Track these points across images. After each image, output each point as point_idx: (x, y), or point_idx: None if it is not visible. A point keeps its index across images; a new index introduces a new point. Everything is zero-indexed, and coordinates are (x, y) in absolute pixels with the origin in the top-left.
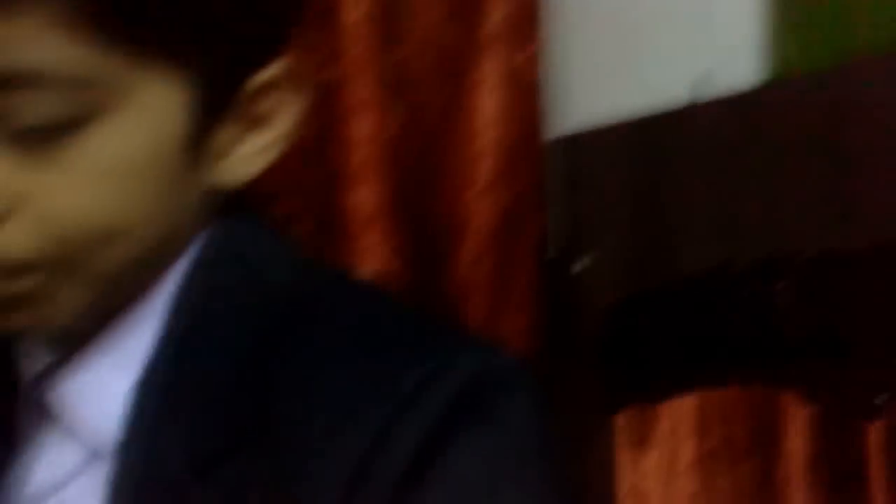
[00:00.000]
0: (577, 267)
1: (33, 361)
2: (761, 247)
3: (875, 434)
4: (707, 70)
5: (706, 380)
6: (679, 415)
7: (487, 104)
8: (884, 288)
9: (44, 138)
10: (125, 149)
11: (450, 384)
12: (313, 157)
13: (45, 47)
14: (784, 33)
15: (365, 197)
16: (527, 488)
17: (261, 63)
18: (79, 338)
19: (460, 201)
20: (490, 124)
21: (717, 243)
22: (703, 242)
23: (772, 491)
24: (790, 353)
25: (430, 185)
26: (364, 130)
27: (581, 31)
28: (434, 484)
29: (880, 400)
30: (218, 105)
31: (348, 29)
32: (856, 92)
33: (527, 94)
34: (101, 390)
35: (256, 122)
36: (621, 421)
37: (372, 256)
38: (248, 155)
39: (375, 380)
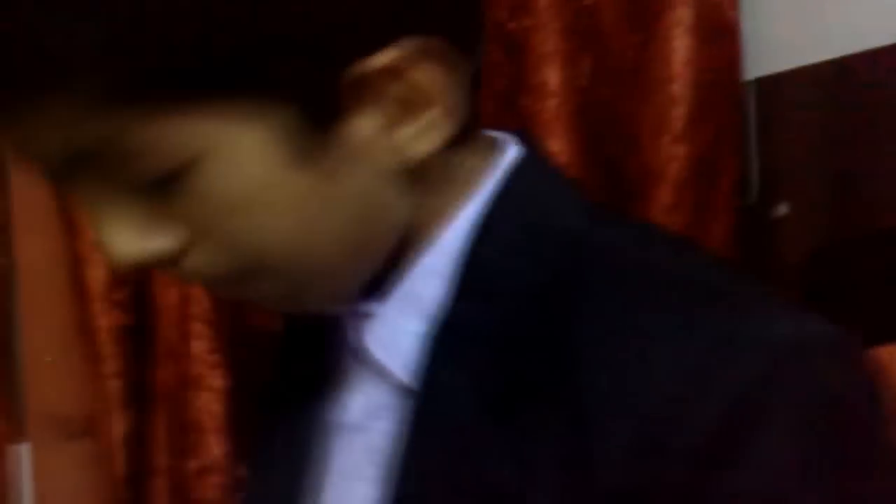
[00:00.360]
0: (776, 214)
1: (350, 317)
2: None
3: None
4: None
5: None
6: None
7: (681, 47)
8: None
9: (164, 188)
10: (237, 180)
11: (764, 355)
12: (506, 106)
13: (92, 125)
14: None
15: (558, 146)
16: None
17: (347, 61)
18: (380, 294)
19: (655, 148)
20: (684, 68)
21: None
22: None
23: None
24: None
25: (624, 132)
26: (554, 80)
27: None
28: (740, 463)
29: None
30: (318, 110)
31: None
32: None
33: (723, 35)
34: (401, 336)
35: (406, 105)
36: None
37: None
38: (418, 133)
39: (681, 342)
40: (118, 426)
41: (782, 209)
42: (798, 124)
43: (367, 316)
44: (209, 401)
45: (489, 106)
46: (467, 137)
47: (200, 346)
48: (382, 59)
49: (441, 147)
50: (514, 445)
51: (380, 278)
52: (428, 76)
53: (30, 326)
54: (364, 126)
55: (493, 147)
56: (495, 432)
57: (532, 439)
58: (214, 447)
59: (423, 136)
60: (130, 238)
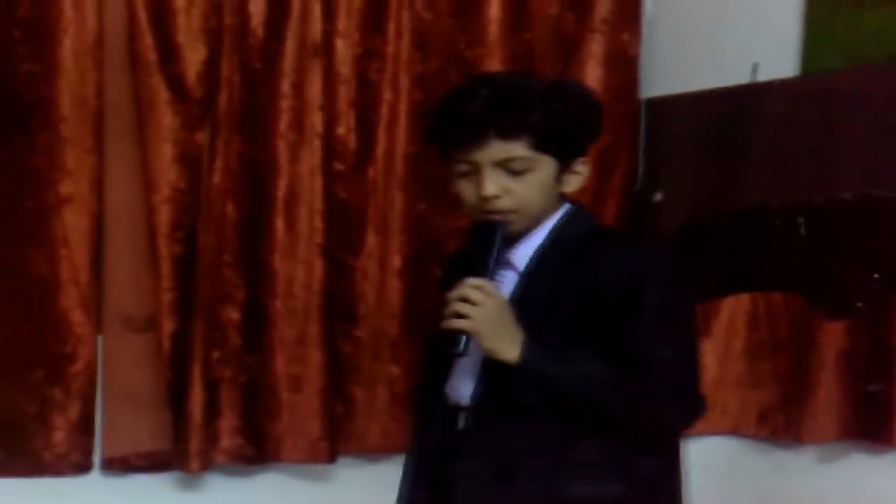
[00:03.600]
0: (657, 198)
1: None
2: (792, 193)
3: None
4: (758, 60)
5: (752, 286)
6: (734, 312)
7: (593, 74)
8: (860, 225)
9: (519, 174)
10: (540, 179)
11: (656, 263)
12: None
13: (520, 149)
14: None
15: None
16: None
17: (578, 156)
18: (518, 239)
19: None
20: (596, 88)
21: (760, 189)
22: (750, 187)
23: (805, 377)
24: (806, 268)
25: None
26: None
27: (670, 19)
28: (650, 293)
29: (859, 303)
30: (564, 169)
31: (488, 19)
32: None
33: (625, 65)
34: (523, 254)
35: (575, 173)
36: None
37: None
38: (570, 183)
39: (630, 255)
40: (169, 325)
41: (659, 195)
42: (675, 134)
43: (510, 247)
44: (231, 309)
45: None
46: None
47: (229, 272)
48: (581, 158)
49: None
50: (559, 289)
51: (530, 229)
52: (583, 167)
53: (113, 252)
54: (565, 176)
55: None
56: (552, 284)
57: (566, 287)
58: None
59: (573, 184)
60: (492, 188)
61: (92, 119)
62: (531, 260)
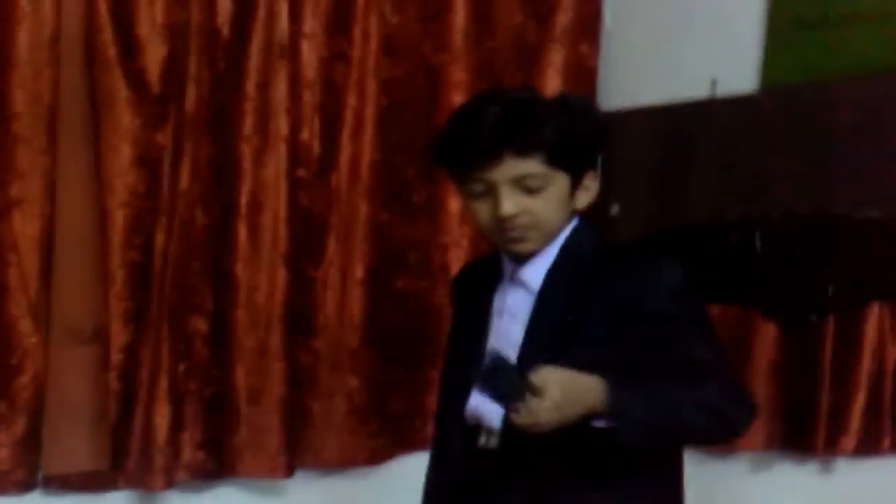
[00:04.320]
0: (613, 211)
1: (512, 264)
2: (745, 207)
3: (826, 344)
4: (716, 75)
5: (706, 300)
6: None
7: (552, 84)
8: (815, 240)
9: (536, 191)
10: (555, 195)
11: (673, 275)
12: (424, 120)
13: (535, 166)
14: (779, 52)
15: None
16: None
17: (588, 171)
18: (528, 257)
19: None
20: None
21: (714, 202)
22: (704, 200)
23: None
24: (760, 281)
25: None
26: (459, 101)
27: (630, 31)
28: (673, 310)
29: (813, 317)
30: (576, 184)
31: (453, 27)
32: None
33: (583, 77)
34: (535, 272)
35: (585, 189)
36: None
37: None
38: (581, 199)
39: (643, 268)
40: (121, 336)
41: (615, 209)
42: (632, 147)
43: (520, 265)
44: (198, 320)
45: (410, 117)
46: None
47: (196, 281)
48: (590, 173)
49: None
50: (578, 308)
51: (543, 246)
52: (592, 182)
53: (64, 259)
54: (576, 192)
55: None
56: (568, 304)
57: (584, 306)
58: (199, 353)
59: (583, 199)
60: (511, 207)
61: (46, 117)
62: (545, 279)
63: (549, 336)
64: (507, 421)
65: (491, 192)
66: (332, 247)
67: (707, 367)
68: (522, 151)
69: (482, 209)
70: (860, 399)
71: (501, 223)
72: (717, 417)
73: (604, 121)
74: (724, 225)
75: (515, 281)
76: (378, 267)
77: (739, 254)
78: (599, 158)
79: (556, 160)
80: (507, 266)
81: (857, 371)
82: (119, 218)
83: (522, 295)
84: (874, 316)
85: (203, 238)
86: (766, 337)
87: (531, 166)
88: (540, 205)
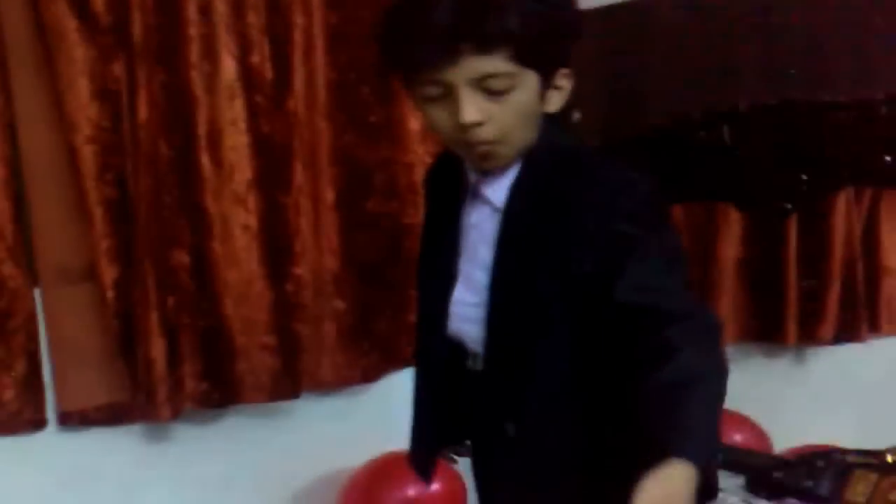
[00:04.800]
0: (575, 117)
1: (475, 176)
2: (709, 102)
3: (790, 238)
4: None
5: (678, 199)
6: None
7: None
8: (784, 129)
9: (501, 94)
10: (524, 99)
11: (639, 195)
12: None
13: (500, 63)
14: None
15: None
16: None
17: (560, 68)
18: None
19: None
20: None
21: (676, 101)
22: (666, 100)
23: (706, 288)
24: (732, 175)
25: None
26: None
27: None
28: (639, 229)
29: (789, 206)
30: (546, 84)
31: None
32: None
33: None
34: (499, 188)
35: (557, 88)
36: None
37: None
38: (553, 101)
39: (604, 188)
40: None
41: (577, 115)
42: (587, 50)
43: (484, 178)
44: (179, 253)
45: (360, 34)
46: None
47: (170, 214)
48: (563, 71)
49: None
50: (544, 230)
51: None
52: (566, 81)
53: (38, 200)
54: (548, 93)
55: None
56: (535, 225)
57: (550, 227)
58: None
59: (556, 101)
60: (473, 112)
61: None
62: (509, 197)
63: (516, 262)
64: (489, 344)
65: (449, 96)
66: (300, 172)
67: (662, 296)
68: (484, 46)
69: (441, 116)
70: (836, 288)
71: (464, 133)
72: (717, 366)
73: (577, 7)
74: (689, 122)
75: (479, 196)
76: (346, 190)
77: (708, 149)
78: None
79: (525, 56)
80: (470, 177)
81: (830, 260)
82: (88, 154)
83: (488, 213)
84: (841, 204)
85: (169, 171)
86: (732, 234)
87: (495, 64)
88: (507, 112)
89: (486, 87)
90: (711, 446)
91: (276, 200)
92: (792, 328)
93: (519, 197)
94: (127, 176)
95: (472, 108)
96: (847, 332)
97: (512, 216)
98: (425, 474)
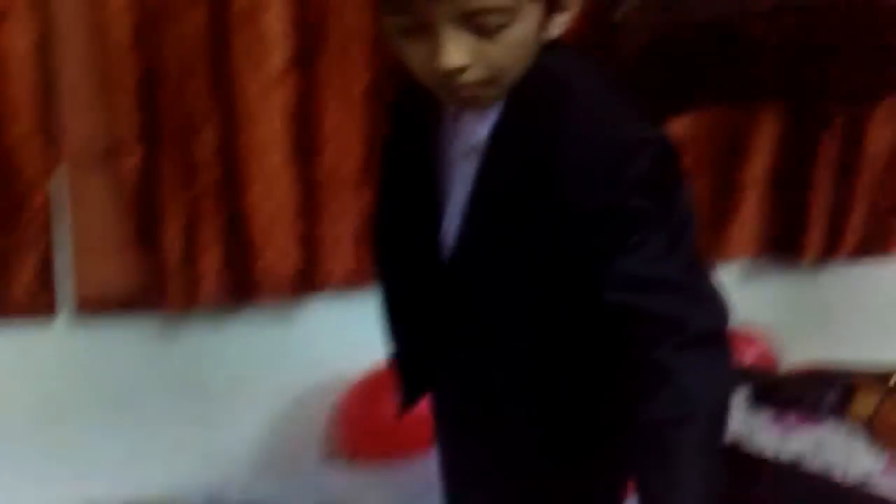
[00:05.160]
0: (617, 16)
1: (455, 112)
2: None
3: (826, 147)
4: None
5: (727, 97)
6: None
7: None
8: (827, 29)
9: (494, 31)
10: (522, 34)
11: (652, 149)
12: None
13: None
14: None
15: None
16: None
17: None
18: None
19: None
20: None
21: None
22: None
23: (732, 196)
24: (769, 76)
25: None
26: None
27: None
28: (638, 193)
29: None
30: (550, 9)
31: None
32: None
33: None
34: (479, 124)
35: (561, 10)
36: None
37: None
38: (558, 25)
39: (598, 146)
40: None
41: (622, 12)
42: None
43: (460, 113)
44: (206, 136)
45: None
46: None
47: (200, 93)
48: None
49: (557, 35)
50: (522, 171)
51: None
52: (573, 5)
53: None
54: (552, 17)
55: None
56: (514, 166)
57: (529, 168)
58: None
59: (560, 26)
60: (458, 55)
61: None
62: (491, 139)
63: (492, 214)
64: (460, 241)
65: (427, 30)
66: (330, 58)
67: (653, 294)
68: None
69: (416, 53)
70: (865, 202)
71: (444, 77)
72: (715, 392)
73: None
74: (747, 15)
75: (458, 134)
76: (374, 85)
77: (764, 47)
78: None
79: None
80: (448, 110)
81: (862, 173)
82: (122, 24)
83: (466, 151)
84: (881, 116)
85: (205, 45)
86: (764, 142)
87: None
88: (499, 50)
89: (477, 23)
90: (707, 501)
91: (308, 88)
92: (815, 239)
93: (502, 139)
94: (160, 53)
95: (456, 51)
96: (872, 245)
97: (491, 161)
98: (410, 399)
